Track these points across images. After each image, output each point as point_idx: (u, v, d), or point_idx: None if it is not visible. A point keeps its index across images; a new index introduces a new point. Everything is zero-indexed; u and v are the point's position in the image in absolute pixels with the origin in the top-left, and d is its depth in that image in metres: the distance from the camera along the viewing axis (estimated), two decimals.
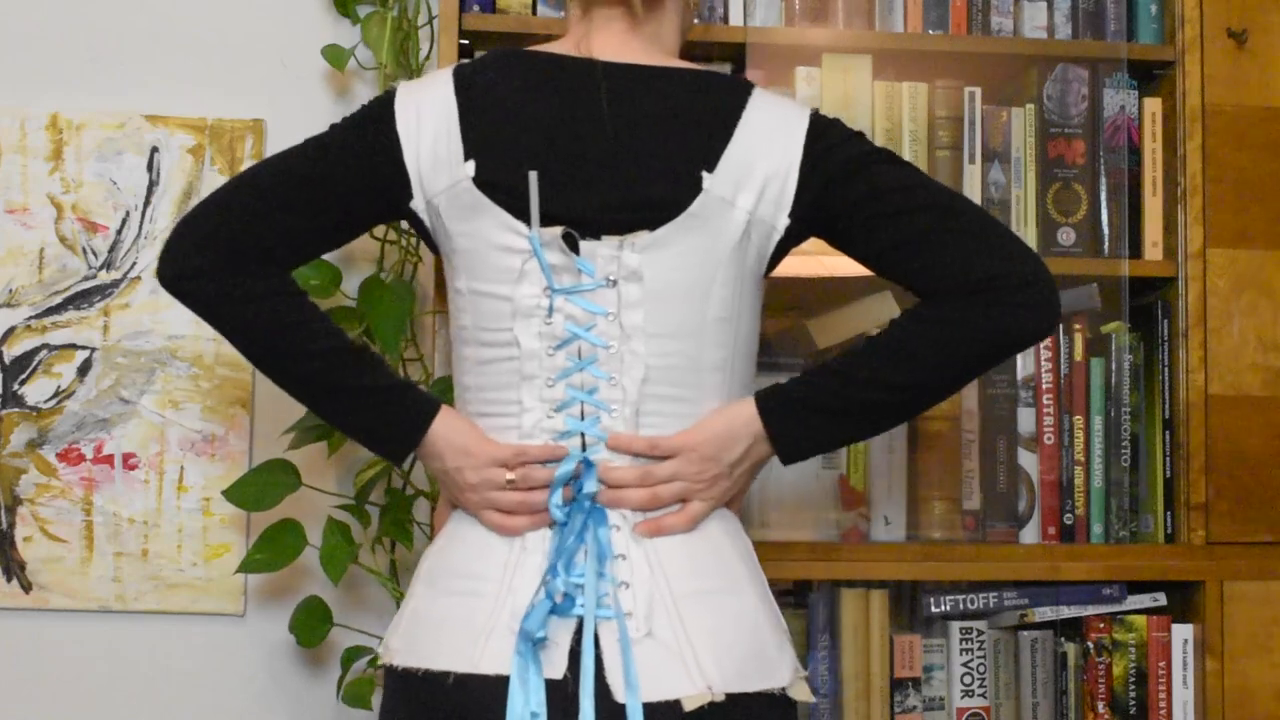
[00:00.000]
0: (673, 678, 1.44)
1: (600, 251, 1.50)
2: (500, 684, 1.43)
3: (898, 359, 1.50)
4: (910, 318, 1.52)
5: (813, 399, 1.52)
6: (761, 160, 1.52)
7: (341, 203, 1.56)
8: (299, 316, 1.53)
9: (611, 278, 1.50)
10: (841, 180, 1.53)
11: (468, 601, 1.48)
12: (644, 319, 1.51)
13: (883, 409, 1.54)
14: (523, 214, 1.50)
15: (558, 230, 1.50)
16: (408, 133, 1.53)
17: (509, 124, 1.52)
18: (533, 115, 1.53)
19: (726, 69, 2.17)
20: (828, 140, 1.54)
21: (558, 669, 1.44)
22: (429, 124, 1.53)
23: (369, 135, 1.55)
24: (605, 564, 1.47)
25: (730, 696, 1.44)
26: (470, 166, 1.51)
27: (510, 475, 1.50)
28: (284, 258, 1.55)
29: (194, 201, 2.25)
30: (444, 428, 1.54)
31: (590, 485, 1.49)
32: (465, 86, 1.54)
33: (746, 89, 1.57)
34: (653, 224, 1.50)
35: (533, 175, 1.49)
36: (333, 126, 1.58)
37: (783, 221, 1.54)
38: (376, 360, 1.56)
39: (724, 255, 1.52)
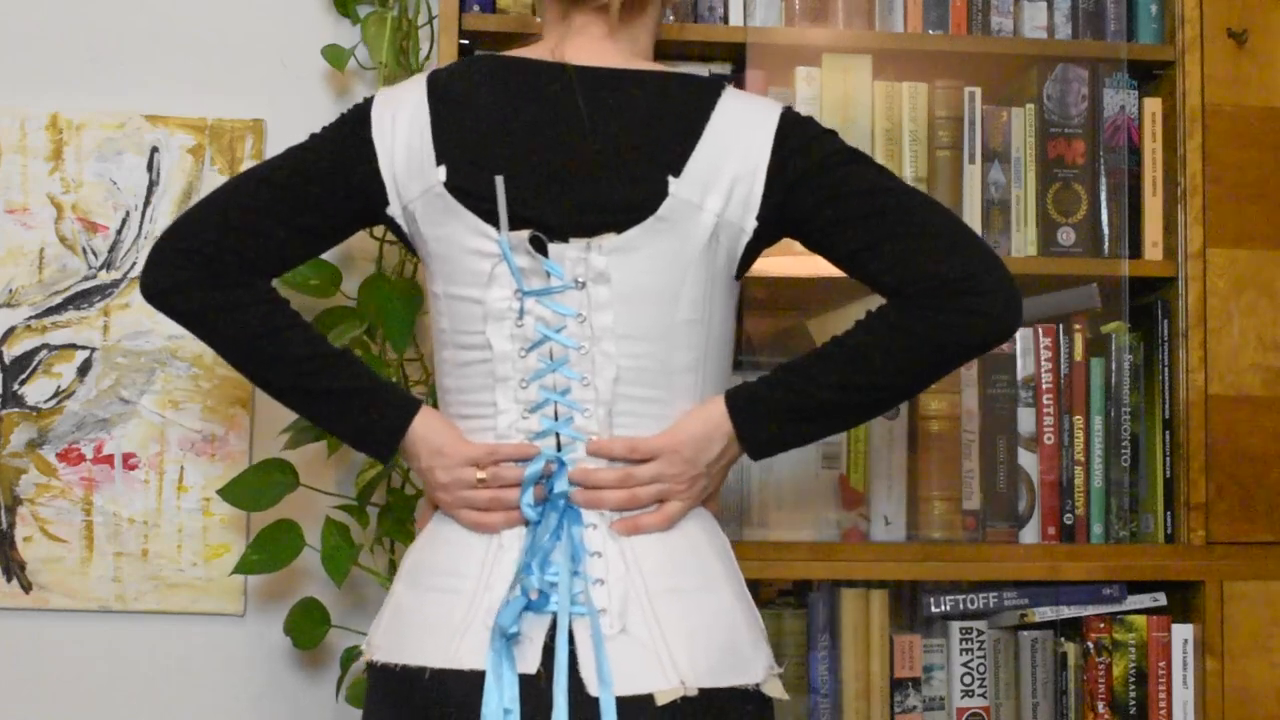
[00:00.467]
0: (646, 673, 1.45)
1: (568, 254, 1.51)
2: (476, 679, 1.44)
3: (861, 362, 1.51)
4: (875, 319, 1.52)
5: (780, 400, 1.53)
6: (729, 162, 1.52)
7: (322, 211, 1.58)
8: (280, 323, 1.55)
9: (580, 280, 1.51)
10: (807, 181, 1.52)
11: (447, 598, 1.50)
12: (613, 320, 1.52)
13: (849, 409, 1.55)
14: (492, 217, 1.51)
15: (525, 233, 1.51)
16: (382, 140, 1.56)
17: (480, 129, 1.54)
18: (503, 120, 1.54)
19: (726, 69, 2.17)
20: (795, 140, 1.54)
21: (531, 664, 1.45)
22: (403, 131, 1.55)
23: (346, 144, 1.57)
24: (580, 561, 1.49)
25: (704, 692, 1.46)
26: (441, 172, 1.53)
27: (481, 474, 1.52)
28: (266, 267, 1.58)
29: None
30: (422, 428, 1.56)
31: (562, 484, 1.50)
32: (439, 92, 1.56)
33: (716, 89, 1.56)
34: (619, 227, 1.51)
35: (499, 179, 1.51)
36: (313, 135, 1.61)
37: (750, 223, 1.54)
38: (357, 363, 1.58)
39: (692, 258, 1.53)
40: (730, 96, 1.55)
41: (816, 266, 2.05)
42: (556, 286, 1.51)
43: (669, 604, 1.49)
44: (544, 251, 1.51)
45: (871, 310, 1.53)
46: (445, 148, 1.53)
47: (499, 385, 1.53)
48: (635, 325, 1.52)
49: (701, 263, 1.53)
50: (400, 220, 1.58)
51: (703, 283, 1.54)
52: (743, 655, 1.51)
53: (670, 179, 1.51)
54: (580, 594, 1.47)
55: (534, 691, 1.44)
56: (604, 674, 1.43)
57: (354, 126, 1.58)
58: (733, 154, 1.52)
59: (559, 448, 1.52)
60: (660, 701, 1.44)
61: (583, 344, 1.52)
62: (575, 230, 1.51)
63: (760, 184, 1.52)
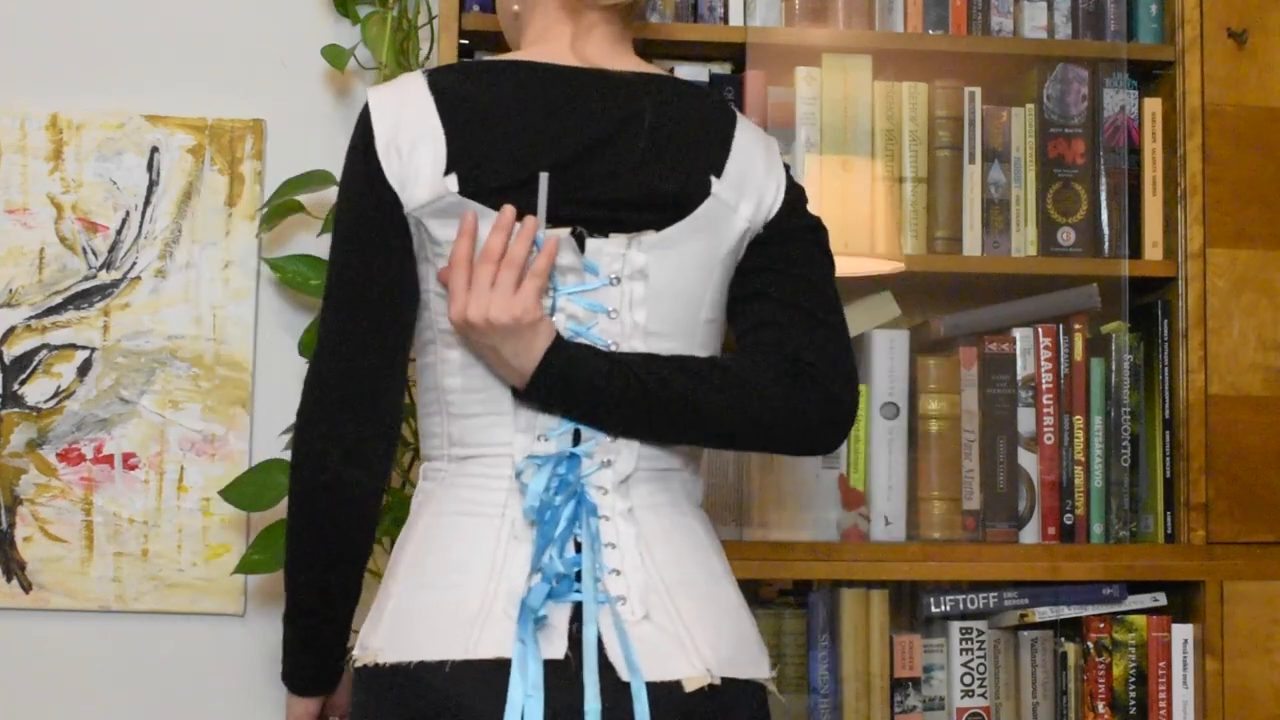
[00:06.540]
0: (672, 660, 1.46)
1: (607, 249, 1.51)
2: (498, 668, 1.43)
3: (689, 379, 1.50)
4: (727, 357, 1.55)
5: (600, 366, 1.48)
6: (754, 173, 1.57)
7: (400, 288, 1.55)
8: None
9: (616, 276, 1.51)
10: (789, 220, 1.57)
11: (455, 592, 1.48)
12: (646, 318, 1.52)
13: (648, 411, 1.51)
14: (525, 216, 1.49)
15: (564, 231, 1.50)
16: (392, 166, 1.50)
17: (508, 133, 1.51)
18: (530, 123, 1.52)
19: (726, 69, 2.17)
20: (791, 179, 1.60)
21: (559, 650, 1.45)
22: (418, 148, 1.50)
23: (374, 188, 1.51)
24: (596, 551, 1.49)
25: (724, 681, 1.47)
26: (451, 180, 1.48)
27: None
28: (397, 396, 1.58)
29: (195, 201, 2.27)
30: None
31: (576, 475, 1.50)
32: (448, 98, 1.51)
33: (729, 104, 1.62)
34: (659, 224, 1.52)
35: (544, 177, 1.49)
36: (345, 212, 1.53)
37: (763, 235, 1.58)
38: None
39: (720, 259, 1.55)
40: (740, 115, 1.60)
41: None
42: (592, 284, 1.51)
43: (686, 595, 1.50)
44: (583, 248, 1.51)
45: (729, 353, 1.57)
46: (463, 154, 1.49)
47: None
48: (664, 323, 1.53)
49: (725, 265, 1.56)
50: (410, 224, 1.52)
51: (722, 284, 1.57)
52: (753, 650, 1.54)
53: (713, 179, 1.53)
54: (599, 583, 1.47)
55: (562, 677, 1.43)
56: (631, 659, 1.44)
57: (366, 161, 1.51)
58: (756, 167, 1.57)
59: (576, 442, 1.52)
60: (688, 688, 1.45)
61: (613, 341, 1.51)
62: (616, 226, 1.51)
63: (779, 203, 1.57)
